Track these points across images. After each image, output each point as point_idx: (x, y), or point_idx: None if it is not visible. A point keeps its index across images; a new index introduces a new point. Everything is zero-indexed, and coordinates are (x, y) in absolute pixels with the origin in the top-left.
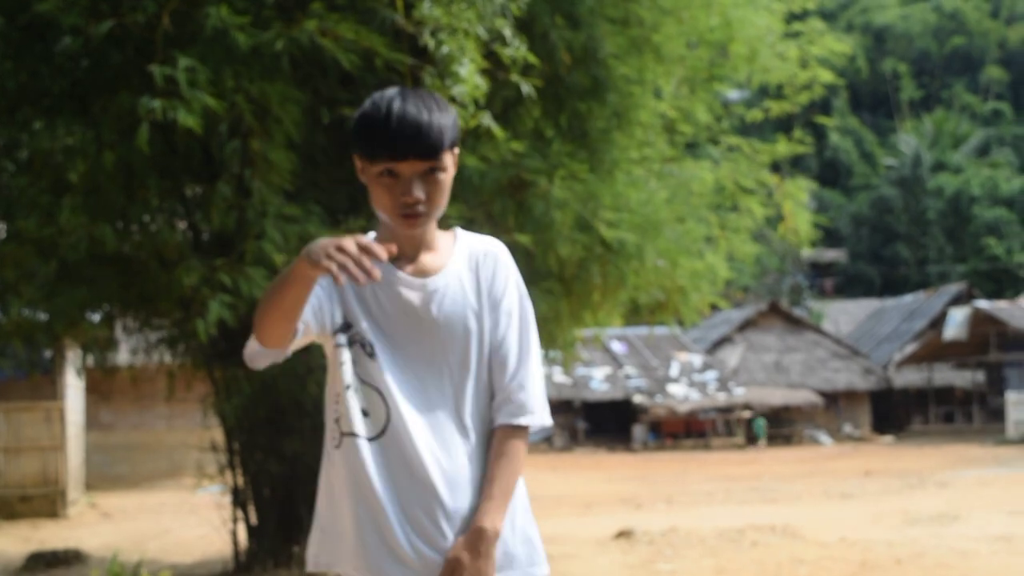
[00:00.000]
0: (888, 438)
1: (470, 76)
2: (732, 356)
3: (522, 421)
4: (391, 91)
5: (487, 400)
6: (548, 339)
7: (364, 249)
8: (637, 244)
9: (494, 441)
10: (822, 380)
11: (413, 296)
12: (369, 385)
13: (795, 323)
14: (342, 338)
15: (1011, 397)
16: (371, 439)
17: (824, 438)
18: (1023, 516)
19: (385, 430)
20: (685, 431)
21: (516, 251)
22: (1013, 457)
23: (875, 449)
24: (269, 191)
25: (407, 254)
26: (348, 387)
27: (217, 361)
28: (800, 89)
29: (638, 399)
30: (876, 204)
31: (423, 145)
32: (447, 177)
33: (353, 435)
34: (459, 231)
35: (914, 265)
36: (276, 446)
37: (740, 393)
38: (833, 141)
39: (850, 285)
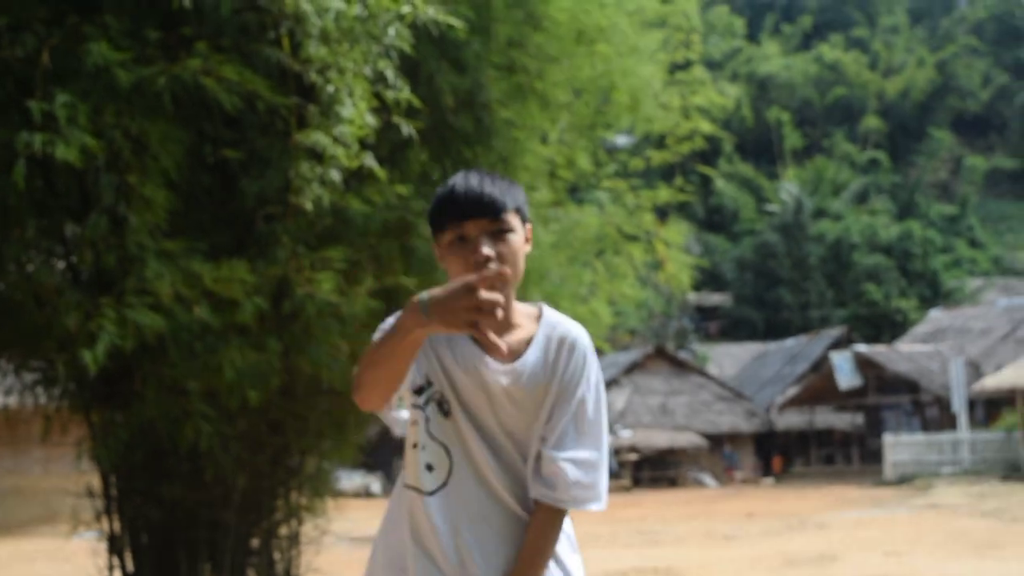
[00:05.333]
0: (769, 480)
1: (357, 115)
2: (619, 399)
3: (568, 506)
4: (458, 173)
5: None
6: None
7: (493, 303)
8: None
9: (539, 513)
10: (707, 422)
11: (500, 378)
12: (438, 442)
13: (680, 366)
14: (420, 399)
15: (888, 439)
16: (430, 493)
17: (708, 480)
18: (898, 557)
19: (445, 484)
20: None
21: (401, 293)
22: (890, 498)
23: (758, 491)
24: (143, 228)
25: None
26: (415, 445)
27: (94, 404)
28: (682, 139)
29: None
30: (760, 249)
31: (484, 204)
32: (517, 240)
33: (415, 489)
34: (544, 309)
35: (796, 309)
36: (155, 491)
37: (627, 435)
38: (719, 187)
39: (734, 328)
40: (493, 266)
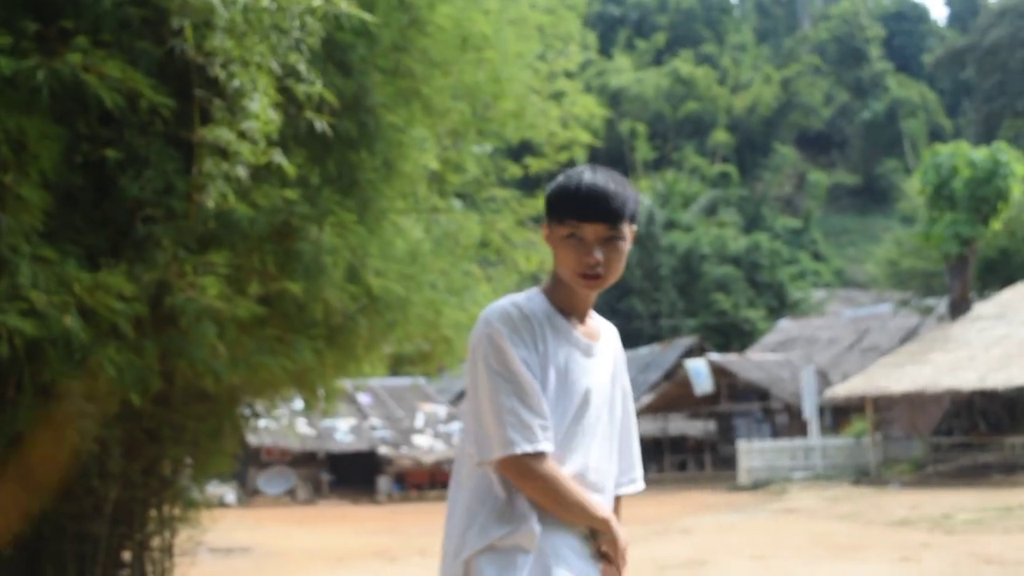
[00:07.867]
0: None
1: (262, 111)
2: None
3: (632, 490)
4: (583, 166)
5: (617, 460)
6: (310, 390)
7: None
8: (403, 294)
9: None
10: None
11: (583, 354)
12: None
13: None
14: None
15: (742, 446)
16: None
17: None
18: (765, 561)
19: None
20: (430, 482)
21: (286, 300)
22: (746, 503)
23: None
24: (19, 230)
25: (579, 312)
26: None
27: None
28: (559, 148)
29: (383, 450)
30: None
31: (606, 210)
32: (625, 247)
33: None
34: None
35: (648, 319)
36: (20, 502)
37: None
38: None
39: None
40: (599, 270)
